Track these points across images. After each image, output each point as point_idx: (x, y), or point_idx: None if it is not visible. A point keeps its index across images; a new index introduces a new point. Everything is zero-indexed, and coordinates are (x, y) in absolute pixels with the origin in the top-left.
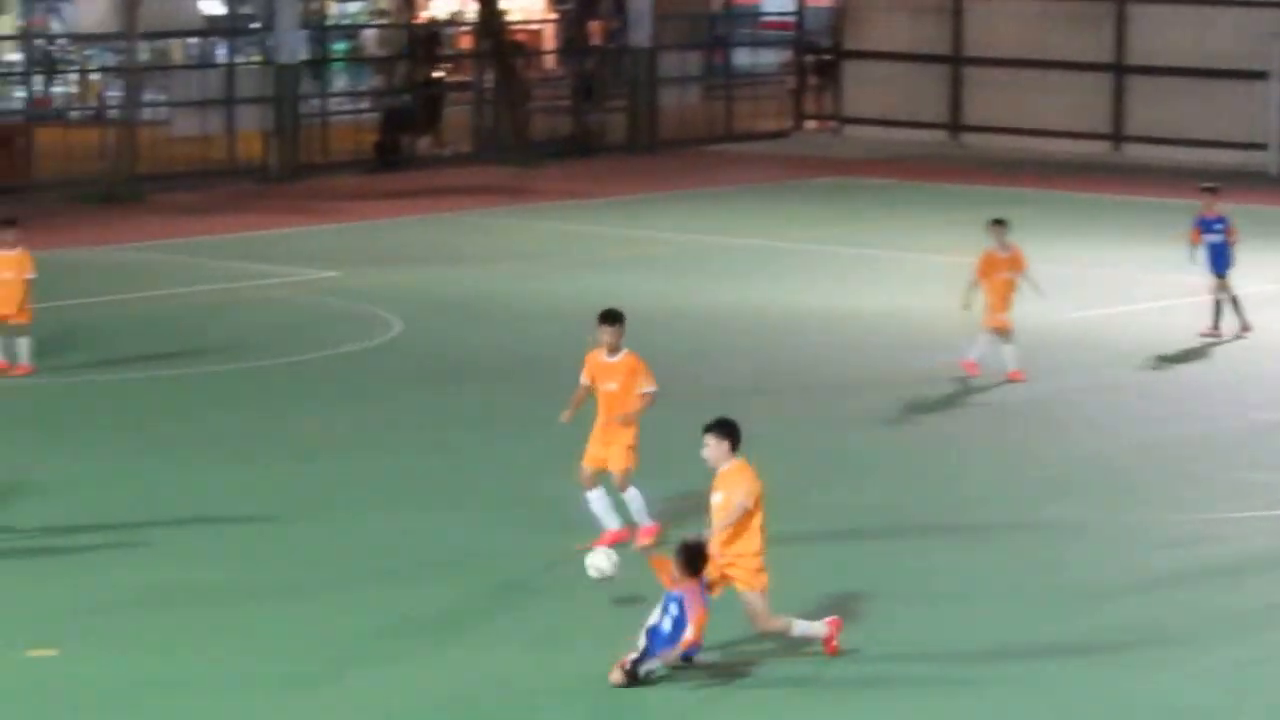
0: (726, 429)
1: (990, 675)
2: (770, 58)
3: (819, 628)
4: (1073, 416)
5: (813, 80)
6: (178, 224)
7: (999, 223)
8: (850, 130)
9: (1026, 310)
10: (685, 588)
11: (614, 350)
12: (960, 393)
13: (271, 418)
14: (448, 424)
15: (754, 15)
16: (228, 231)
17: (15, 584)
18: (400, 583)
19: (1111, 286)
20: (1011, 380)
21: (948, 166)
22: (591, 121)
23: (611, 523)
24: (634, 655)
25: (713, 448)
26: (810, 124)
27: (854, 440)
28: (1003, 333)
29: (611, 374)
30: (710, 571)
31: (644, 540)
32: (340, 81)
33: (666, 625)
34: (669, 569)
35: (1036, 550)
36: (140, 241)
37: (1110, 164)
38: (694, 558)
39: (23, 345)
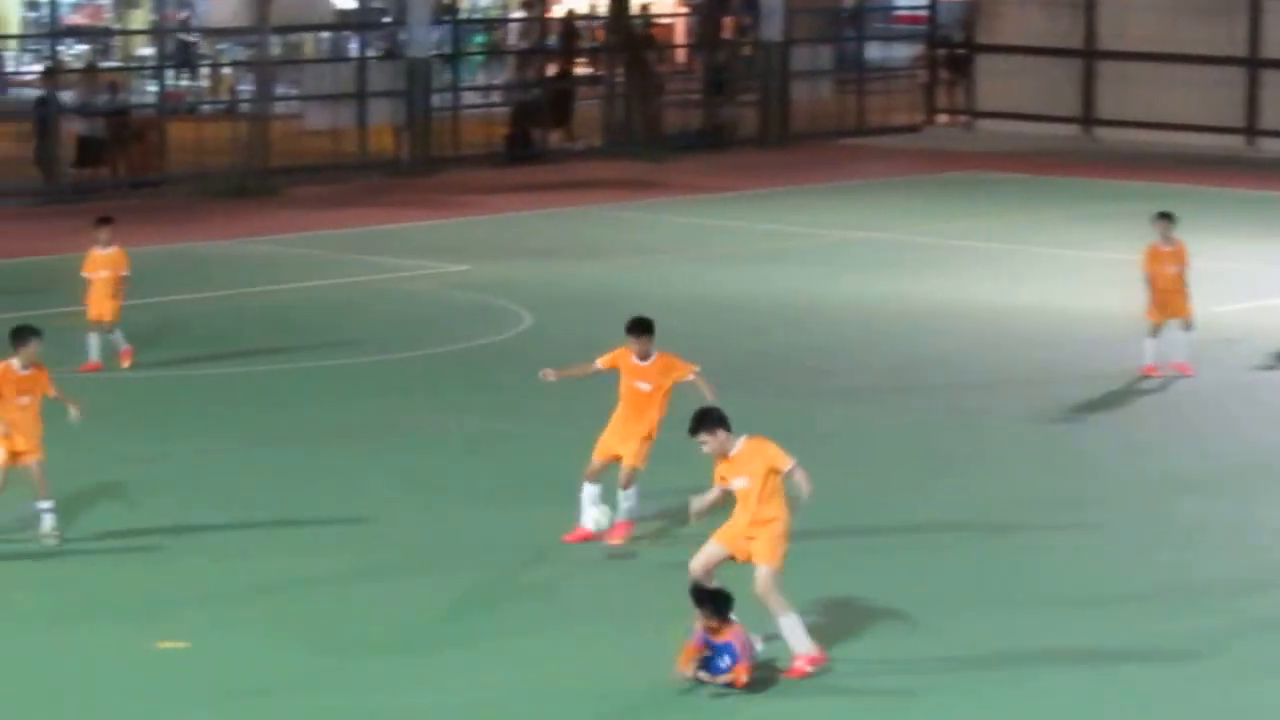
0: (712, 420)
1: (1117, 675)
2: (902, 52)
3: (804, 645)
4: (1205, 413)
5: (944, 74)
6: (309, 217)
7: (1165, 216)
8: (982, 124)
9: None
10: (730, 635)
11: (645, 356)
12: (1094, 389)
13: (399, 412)
14: (574, 420)
15: (886, 9)
16: (358, 225)
17: (144, 577)
18: (500, 571)
19: (1246, 281)
20: (1146, 375)
21: (1080, 161)
22: (723, 115)
23: (587, 523)
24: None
25: (711, 442)
26: (942, 118)
27: (980, 435)
28: (1185, 322)
29: (643, 375)
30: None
31: (614, 537)
32: (474, 75)
33: (722, 664)
34: (690, 650)
35: (1161, 548)
36: (271, 235)
37: (1244, 158)
38: (721, 600)
39: (118, 337)
